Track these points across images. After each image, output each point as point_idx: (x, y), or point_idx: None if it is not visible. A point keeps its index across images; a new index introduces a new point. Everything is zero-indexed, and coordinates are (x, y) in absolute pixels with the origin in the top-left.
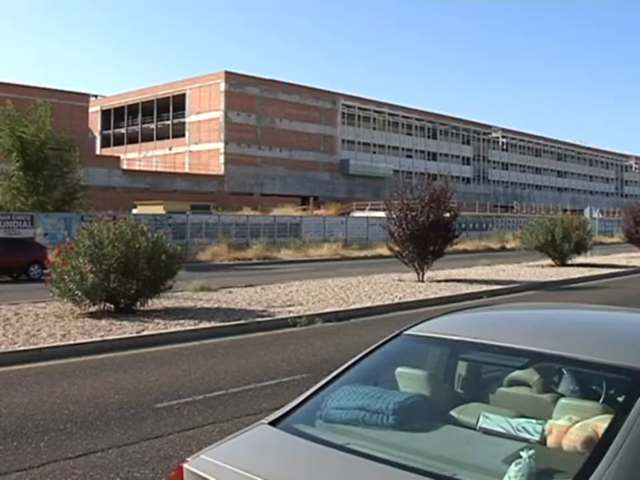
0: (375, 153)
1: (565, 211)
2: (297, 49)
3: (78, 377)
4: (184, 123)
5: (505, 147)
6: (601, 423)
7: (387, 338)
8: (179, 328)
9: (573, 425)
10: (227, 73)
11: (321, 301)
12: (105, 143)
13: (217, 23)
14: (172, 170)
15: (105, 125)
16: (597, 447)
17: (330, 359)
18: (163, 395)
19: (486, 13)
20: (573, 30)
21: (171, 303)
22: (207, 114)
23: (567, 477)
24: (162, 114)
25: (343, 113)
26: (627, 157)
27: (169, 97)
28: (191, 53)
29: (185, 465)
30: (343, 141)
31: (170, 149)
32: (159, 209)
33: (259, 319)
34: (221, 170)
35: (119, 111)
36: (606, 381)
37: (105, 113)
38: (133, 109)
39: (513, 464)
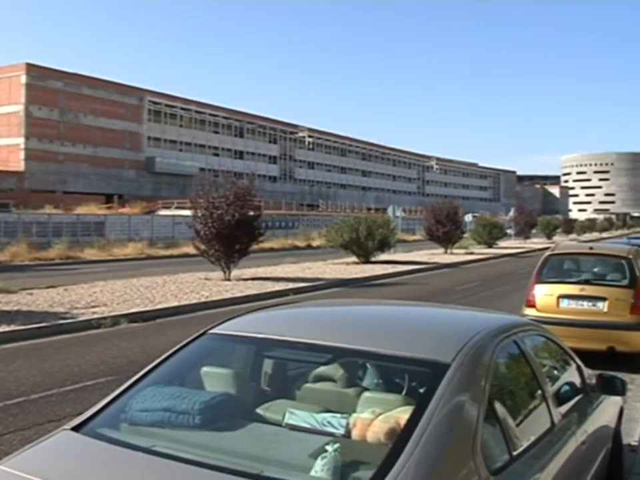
0: (181, 150)
1: (369, 209)
2: (103, 44)
3: None
4: None
5: (311, 146)
6: (403, 415)
7: (192, 337)
8: None
9: (376, 418)
10: (28, 64)
11: (126, 301)
12: None
13: (19, 13)
14: None
15: None
16: (399, 438)
17: (136, 360)
18: None
19: (292, 9)
20: (375, 26)
21: None
22: (6, 107)
23: (372, 468)
24: None
25: (150, 110)
26: (428, 157)
27: None
28: None
29: None
30: (149, 138)
31: None
32: None
33: (62, 321)
34: (21, 166)
35: None
36: (408, 373)
37: None
38: None
39: (319, 458)
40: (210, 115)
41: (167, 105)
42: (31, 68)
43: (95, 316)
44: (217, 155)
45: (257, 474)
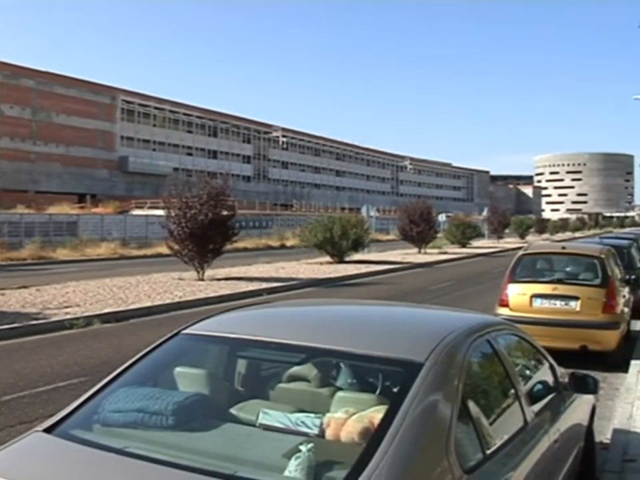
0: (154, 150)
1: (343, 209)
2: (76, 43)
3: None
4: None
5: (285, 146)
6: (376, 414)
7: (165, 338)
8: None
9: (349, 417)
10: (0, 63)
11: (99, 302)
12: None
13: None
14: None
15: None
16: (373, 437)
17: (109, 360)
18: None
19: (266, 8)
20: (349, 26)
21: None
22: None
23: (345, 468)
24: None
25: (123, 109)
26: (402, 157)
27: None
28: None
29: None
30: (122, 137)
31: None
32: None
33: (34, 322)
34: None
35: None
36: (382, 373)
37: None
38: None
39: (293, 458)
40: (184, 114)
41: (140, 104)
42: (2, 66)
43: (68, 316)
44: (190, 154)
45: (231, 474)
